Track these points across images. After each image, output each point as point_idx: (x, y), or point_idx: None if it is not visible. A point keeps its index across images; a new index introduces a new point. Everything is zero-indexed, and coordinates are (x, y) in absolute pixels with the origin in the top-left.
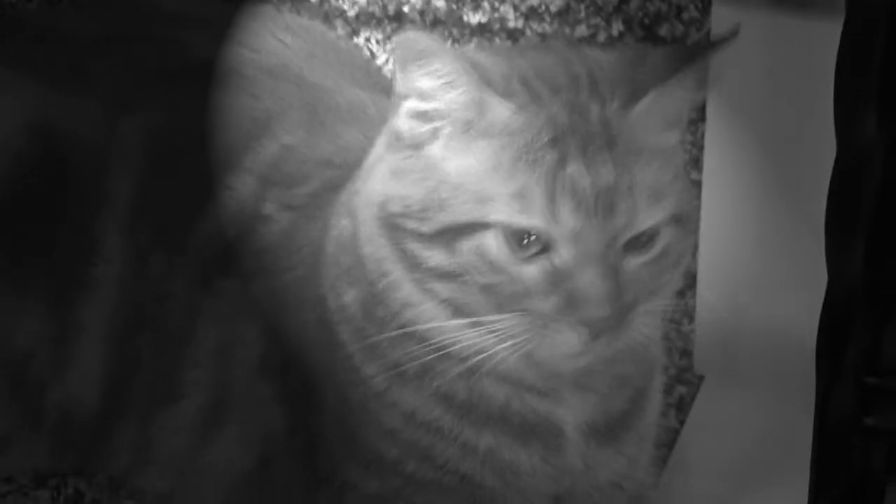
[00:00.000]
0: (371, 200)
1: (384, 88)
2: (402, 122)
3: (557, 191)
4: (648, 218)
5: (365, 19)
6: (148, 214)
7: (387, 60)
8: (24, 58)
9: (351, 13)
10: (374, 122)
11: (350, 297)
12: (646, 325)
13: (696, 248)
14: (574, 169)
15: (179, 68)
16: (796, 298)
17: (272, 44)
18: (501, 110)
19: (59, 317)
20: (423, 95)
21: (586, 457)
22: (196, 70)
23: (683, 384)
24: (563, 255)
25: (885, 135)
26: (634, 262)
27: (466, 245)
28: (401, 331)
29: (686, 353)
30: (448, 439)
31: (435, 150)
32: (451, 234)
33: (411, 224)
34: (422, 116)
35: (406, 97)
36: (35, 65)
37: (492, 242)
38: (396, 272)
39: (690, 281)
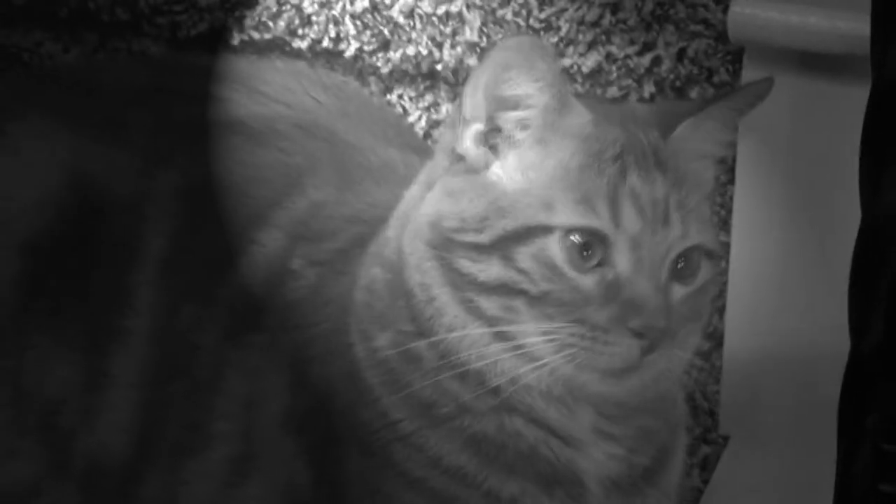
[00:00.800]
0: (419, 229)
1: (415, 147)
2: (467, 145)
3: (620, 197)
4: (696, 235)
5: (398, 76)
6: (179, 268)
7: (419, 118)
8: (62, 109)
9: (384, 70)
10: (404, 180)
11: (382, 340)
12: (672, 373)
13: (723, 308)
14: (634, 180)
15: (215, 123)
16: (821, 360)
17: (305, 101)
18: (582, 116)
19: (91, 365)
20: (505, 105)
21: None
22: (231, 126)
23: (708, 444)
24: (622, 264)
25: None
26: (678, 292)
27: (526, 251)
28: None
29: (712, 413)
30: (472, 486)
31: (496, 167)
32: (511, 241)
33: (468, 237)
34: (493, 134)
35: (473, 120)
36: (73, 116)
37: (554, 247)
38: (444, 296)
39: (717, 341)
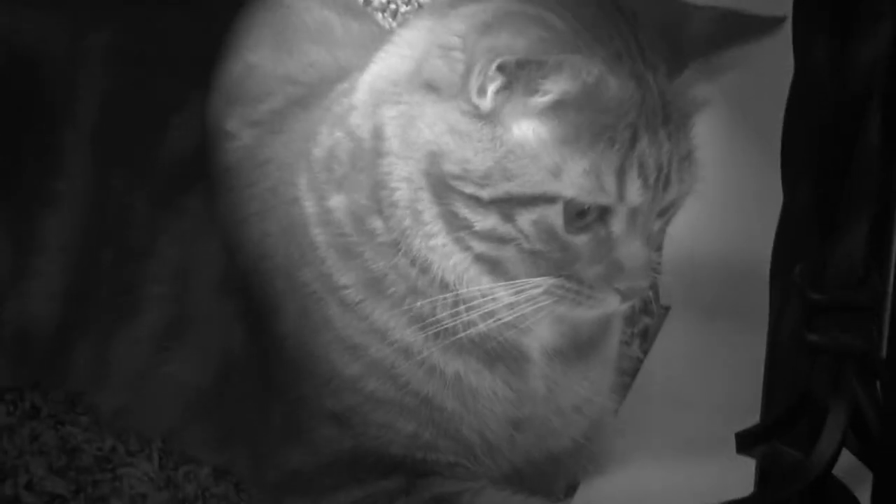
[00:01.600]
0: (414, 150)
1: (353, 11)
2: (484, 96)
3: (627, 170)
4: (684, 186)
5: None
6: (111, 131)
7: None
8: None
9: None
10: (341, 42)
11: (336, 202)
12: None
13: None
14: (642, 147)
15: None
16: (759, 230)
17: None
18: (612, 85)
19: (19, 229)
20: (524, 68)
21: (549, 381)
22: None
23: (648, 315)
24: (617, 228)
25: (837, 61)
26: (658, 224)
27: (527, 215)
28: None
29: (651, 285)
30: (416, 361)
31: (508, 122)
32: (513, 204)
33: (469, 188)
34: (511, 86)
35: (492, 77)
36: None
37: (555, 214)
38: (435, 226)
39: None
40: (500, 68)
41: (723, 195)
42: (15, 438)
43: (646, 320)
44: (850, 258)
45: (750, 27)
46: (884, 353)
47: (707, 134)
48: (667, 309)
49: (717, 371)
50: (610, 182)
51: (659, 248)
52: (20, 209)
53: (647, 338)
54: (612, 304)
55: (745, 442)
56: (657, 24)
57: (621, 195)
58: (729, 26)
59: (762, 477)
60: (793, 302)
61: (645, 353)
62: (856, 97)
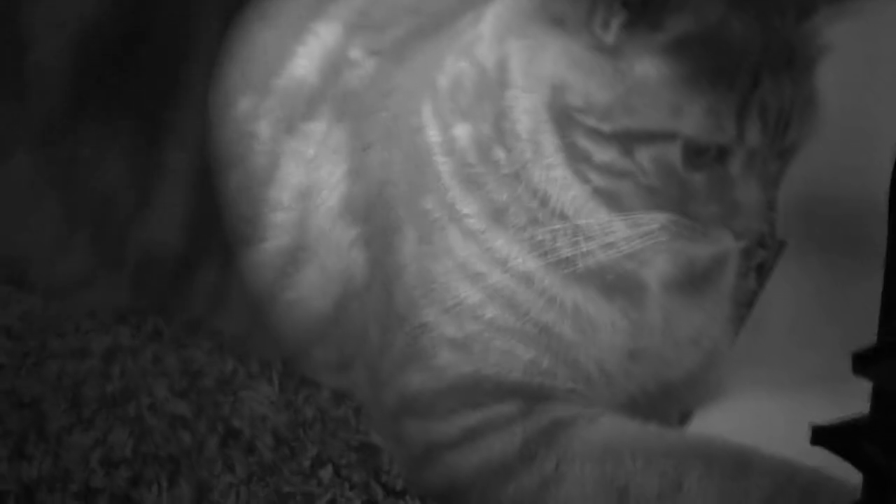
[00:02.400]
0: (537, 83)
1: None
2: (609, 30)
3: (747, 112)
4: (805, 129)
5: None
6: (232, 59)
7: None
8: None
9: None
10: None
11: (461, 130)
12: None
13: None
14: (764, 90)
15: None
16: (876, 167)
17: None
18: (736, 24)
19: (146, 158)
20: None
21: (666, 312)
22: None
23: (765, 248)
24: (735, 168)
25: None
26: (776, 166)
27: (646, 151)
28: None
29: (770, 220)
30: (536, 290)
31: (633, 57)
32: (632, 139)
33: (590, 121)
34: (635, 21)
35: (618, 10)
36: None
37: (673, 152)
38: (556, 158)
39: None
40: (625, 3)
41: (840, 134)
42: (138, 360)
43: (762, 254)
44: None
45: None
46: None
47: (831, 77)
48: (783, 244)
49: (834, 305)
50: (729, 123)
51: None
52: (147, 138)
53: (763, 271)
54: (727, 243)
55: (862, 362)
56: None
57: (740, 136)
58: None
59: (877, 397)
60: None
61: (761, 286)
62: None
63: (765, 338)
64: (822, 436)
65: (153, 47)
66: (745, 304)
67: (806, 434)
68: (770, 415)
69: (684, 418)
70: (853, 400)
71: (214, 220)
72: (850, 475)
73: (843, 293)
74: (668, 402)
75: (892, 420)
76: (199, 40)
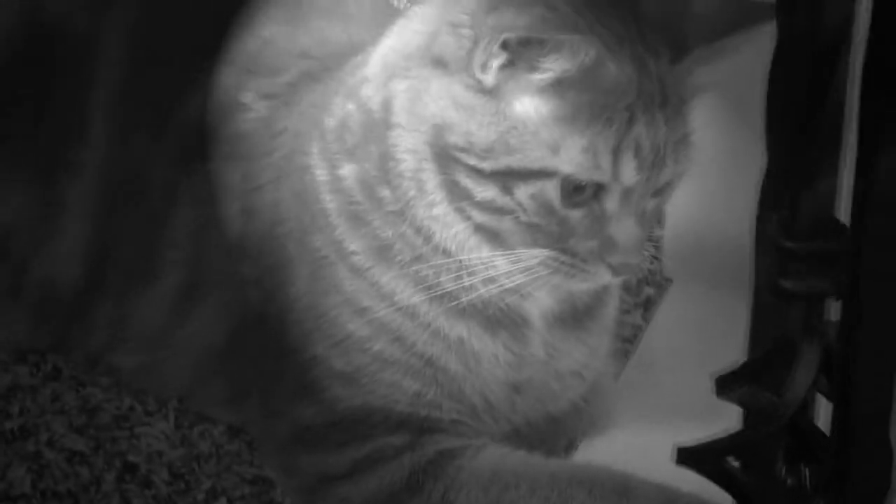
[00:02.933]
0: (420, 123)
1: None
2: (488, 72)
3: (623, 150)
4: (679, 167)
5: None
6: (132, 100)
7: None
8: None
9: None
10: (354, 18)
11: (347, 170)
12: None
13: None
14: (639, 129)
15: None
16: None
17: None
18: (611, 68)
19: (44, 195)
20: (528, 48)
21: (548, 346)
22: None
23: (651, 285)
24: (611, 204)
25: (811, 20)
26: (652, 203)
27: (525, 189)
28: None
29: (655, 258)
30: (421, 324)
31: (513, 97)
32: (512, 177)
33: (471, 160)
34: (514, 63)
35: (496, 54)
36: None
37: (552, 189)
38: (438, 195)
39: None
40: (504, 45)
41: (722, 174)
42: (37, 398)
43: (649, 291)
44: (821, 207)
45: (750, 14)
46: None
47: (706, 117)
48: (669, 281)
49: (719, 339)
50: (606, 161)
51: (661, 225)
52: (45, 176)
53: (649, 307)
54: (604, 278)
55: (724, 385)
56: (659, 12)
57: (616, 174)
58: (731, 14)
59: (744, 418)
60: (769, 251)
61: (647, 321)
62: (827, 51)
63: (650, 370)
64: (686, 456)
65: (51, 83)
66: (629, 339)
67: None
68: (653, 444)
69: (570, 448)
70: (735, 426)
71: (112, 257)
72: (727, 499)
73: (726, 326)
74: (553, 432)
75: (752, 438)
76: (100, 78)
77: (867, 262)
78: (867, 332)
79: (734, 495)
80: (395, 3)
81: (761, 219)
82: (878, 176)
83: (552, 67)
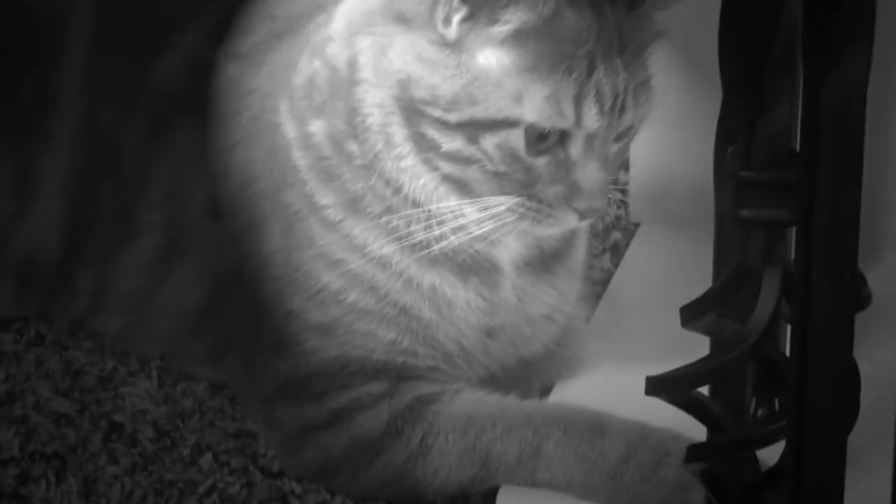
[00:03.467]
0: (385, 78)
1: None
2: (450, 26)
3: (584, 96)
4: (640, 112)
5: None
6: (101, 69)
7: None
8: None
9: None
10: None
11: (316, 126)
12: None
13: None
14: (599, 76)
15: None
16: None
17: None
18: (569, 16)
19: (19, 168)
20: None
21: (519, 291)
22: None
23: (619, 230)
24: (575, 152)
25: None
26: (615, 147)
27: (490, 138)
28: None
29: (622, 202)
30: (394, 274)
31: (473, 50)
32: (477, 127)
33: (436, 112)
34: (474, 16)
35: (457, 7)
36: None
37: (516, 138)
38: (405, 148)
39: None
40: None
41: (684, 117)
42: (22, 364)
43: (616, 235)
44: (776, 136)
45: None
46: None
47: (667, 61)
48: (636, 225)
49: (687, 279)
50: (568, 108)
51: (626, 170)
52: (19, 148)
53: (618, 251)
54: (571, 223)
55: (689, 315)
56: None
57: (578, 120)
58: None
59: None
60: (728, 182)
61: (616, 265)
62: None
63: (620, 313)
64: (655, 385)
65: (18, 54)
66: (600, 283)
67: (658, 400)
68: (625, 384)
69: (545, 391)
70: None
71: (90, 223)
72: (699, 434)
73: (693, 265)
74: (527, 376)
75: (718, 365)
76: (70, 49)
77: (819, 186)
78: (822, 256)
79: (705, 423)
80: None
81: (720, 151)
82: (823, 102)
83: (511, 19)
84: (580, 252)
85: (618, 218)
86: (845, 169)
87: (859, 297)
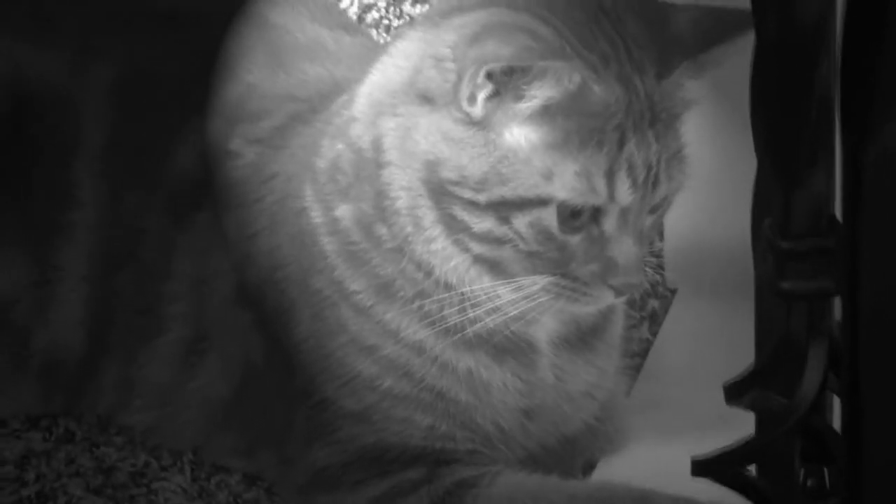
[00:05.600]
0: (413, 160)
1: (344, 25)
2: (475, 104)
3: (616, 171)
4: (674, 183)
5: None
6: (119, 157)
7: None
8: None
9: None
10: (334, 56)
11: (343, 211)
12: None
13: None
14: (630, 148)
15: (144, 14)
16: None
17: None
18: (596, 90)
19: (40, 262)
20: (513, 77)
21: (557, 369)
22: (161, 16)
23: (656, 298)
24: (609, 227)
25: (789, 20)
26: (649, 220)
27: (522, 218)
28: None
29: (658, 268)
30: (429, 358)
31: (501, 128)
32: (508, 207)
33: (465, 193)
34: (500, 93)
35: (481, 85)
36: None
37: (549, 216)
38: (435, 230)
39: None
40: (489, 76)
41: (718, 185)
42: (52, 462)
43: (653, 303)
44: (815, 205)
45: (732, 23)
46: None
47: (699, 129)
48: (673, 291)
49: (727, 347)
50: (600, 183)
51: (661, 237)
52: (39, 242)
53: (656, 320)
54: (607, 300)
55: (733, 392)
56: (643, 28)
57: (612, 195)
58: (713, 24)
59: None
60: (767, 254)
61: (654, 334)
62: (802, 49)
63: (661, 384)
64: (701, 467)
65: (39, 150)
66: (639, 354)
67: None
68: (670, 457)
69: (588, 468)
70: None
71: (114, 316)
72: None
73: (733, 333)
74: (569, 453)
75: (765, 443)
76: (85, 139)
77: (863, 255)
78: (869, 326)
79: (754, 501)
80: (377, 38)
81: (757, 222)
82: (863, 169)
83: (537, 95)
84: (618, 325)
85: (654, 285)
86: (887, 235)
87: None
